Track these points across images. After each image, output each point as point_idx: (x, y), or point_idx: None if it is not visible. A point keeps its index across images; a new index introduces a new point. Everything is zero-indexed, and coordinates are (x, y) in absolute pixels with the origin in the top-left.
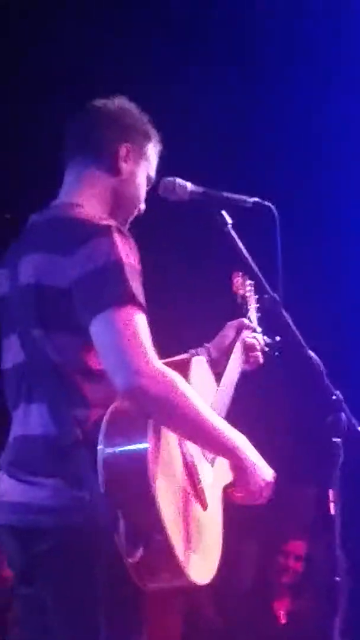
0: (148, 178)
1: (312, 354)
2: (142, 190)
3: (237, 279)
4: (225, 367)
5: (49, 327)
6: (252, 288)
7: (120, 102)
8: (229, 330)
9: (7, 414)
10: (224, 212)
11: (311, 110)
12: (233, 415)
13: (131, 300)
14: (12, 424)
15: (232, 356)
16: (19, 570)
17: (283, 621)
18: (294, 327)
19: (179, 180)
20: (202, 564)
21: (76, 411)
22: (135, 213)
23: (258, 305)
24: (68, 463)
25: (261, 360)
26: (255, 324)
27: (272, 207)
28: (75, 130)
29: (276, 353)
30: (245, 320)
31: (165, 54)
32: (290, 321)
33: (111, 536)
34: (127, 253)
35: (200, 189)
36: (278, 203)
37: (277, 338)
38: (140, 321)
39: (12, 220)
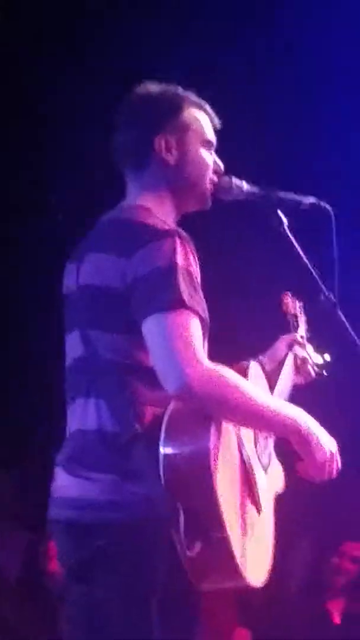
0: (204, 141)
1: None
2: (202, 163)
3: (287, 299)
4: (277, 379)
5: (104, 327)
6: (302, 308)
7: (136, 94)
8: (282, 343)
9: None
10: (279, 212)
11: None
12: None
13: (182, 304)
14: (69, 419)
15: (285, 368)
16: (72, 567)
17: (337, 622)
18: (350, 329)
19: (234, 180)
20: (256, 566)
21: (134, 408)
22: (209, 185)
23: (307, 326)
24: (126, 458)
25: (313, 374)
26: (305, 341)
27: (329, 208)
28: (114, 143)
29: (324, 373)
30: (297, 336)
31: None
32: (346, 323)
33: (169, 532)
34: (185, 258)
35: (255, 189)
36: (334, 204)
37: (327, 357)
38: (190, 324)
39: (57, 203)
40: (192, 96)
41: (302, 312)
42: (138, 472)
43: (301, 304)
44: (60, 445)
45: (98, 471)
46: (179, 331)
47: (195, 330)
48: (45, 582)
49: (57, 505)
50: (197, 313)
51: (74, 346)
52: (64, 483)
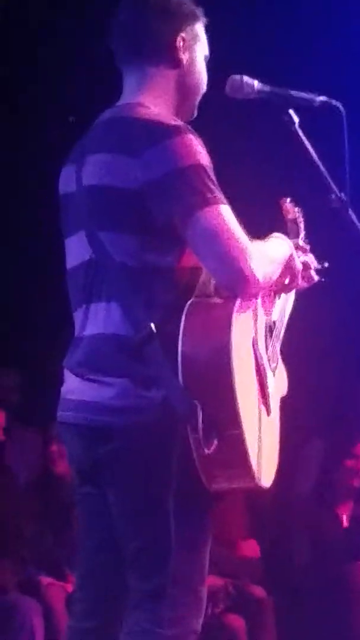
0: (205, 57)
1: None
2: (204, 75)
3: (286, 204)
4: None
5: (116, 229)
6: (300, 213)
7: None
8: None
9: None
10: (291, 111)
11: None
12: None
13: (219, 200)
14: (77, 322)
15: None
16: (82, 469)
17: (345, 525)
18: None
19: (246, 78)
20: (265, 467)
21: (148, 310)
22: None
23: (305, 231)
24: (139, 361)
25: (315, 278)
26: (307, 246)
27: (340, 106)
28: (124, 29)
29: (323, 279)
30: (300, 242)
31: None
32: (356, 221)
33: (182, 434)
34: (202, 153)
35: (267, 87)
36: (346, 102)
37: (325, 264)
38: (231, 217)
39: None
40: (202, 11)
41: (301, 216)
42: (152, 375)
43: (300, 209)
44: (66, 347)
45: (110, 375)
46: (224, 228)
47: (235, 222)
48: (56, 483)
49: (67, 408)
50: (225, 203)
51: (80, 249)
52: (74, 386)
